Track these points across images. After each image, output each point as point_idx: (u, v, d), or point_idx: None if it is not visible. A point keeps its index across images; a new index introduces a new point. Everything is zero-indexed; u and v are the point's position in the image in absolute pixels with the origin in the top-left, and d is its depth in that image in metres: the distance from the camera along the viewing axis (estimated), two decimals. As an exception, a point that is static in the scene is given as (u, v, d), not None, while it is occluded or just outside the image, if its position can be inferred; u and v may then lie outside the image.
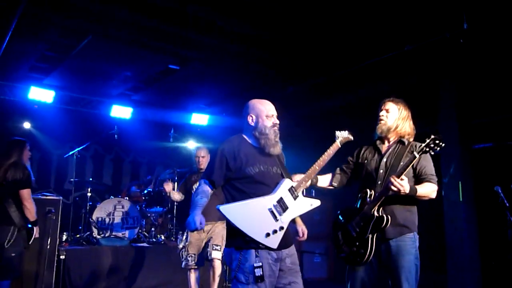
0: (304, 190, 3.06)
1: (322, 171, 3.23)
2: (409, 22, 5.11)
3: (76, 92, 7.97)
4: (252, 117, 2.99)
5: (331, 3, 4.84)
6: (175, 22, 5.29)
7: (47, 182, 8.56)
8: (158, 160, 9.79)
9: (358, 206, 3.11)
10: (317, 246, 7.99)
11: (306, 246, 7.88)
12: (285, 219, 2.81)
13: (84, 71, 7.16)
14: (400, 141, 3.18)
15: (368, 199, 3.02)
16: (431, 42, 5.21)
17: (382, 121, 3.22)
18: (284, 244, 2.83)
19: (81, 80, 7.62)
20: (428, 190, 3.01)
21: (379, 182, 3.08)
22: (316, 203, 2.99)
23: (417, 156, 2.86)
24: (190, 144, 8.52)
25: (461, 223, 5.82)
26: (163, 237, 7.34)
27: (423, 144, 2.85)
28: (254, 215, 2.74)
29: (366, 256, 2.94)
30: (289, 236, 2.93)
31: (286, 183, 2.88)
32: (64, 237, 6.62)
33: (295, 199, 2.88)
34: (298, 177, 3.04)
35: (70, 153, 7.37)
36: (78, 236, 6.85)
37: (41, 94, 7.40)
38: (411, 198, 3.01)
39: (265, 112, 2.98)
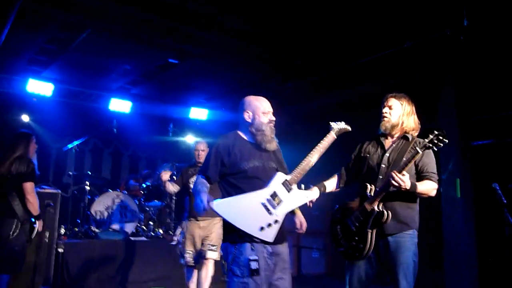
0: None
1: (324, 171, 3.21)
2: (409, 18, 5.10)
3: (75, 85, 7.94)
4: (248, 113, 3.03)
5: (331, -1, 4.84)
6: (175, 17, 5.28)
7: (45, 176, 8.54)
8: (157, 154, 9.79)
9: (358, 200, 3.08)
10: (315, 241, 8.02)
11: (304, 241, 7.91)
12: (279, 213, 2.83)
13: (83, 64, 7.13)
14: (404, 137, 3.14)
15: (369, 194, 3.00)
16: (431, 39, 5.20)
17: (385, 118, 3.17)
18: (279, 238, 2.86)
19: (80, 73, 7.59)
20: (428, 187, 2.98)
21: (380, 177, 3.05)
22: (312, 195, 2.99)
23: (420, 152, 2.80)
24: (189, 139, 8.52)
25: (458, 220, 5.84)
26: (161, 231, 7.35)
27: (427, 140, 2.79)
28: (246, 210, 2.77)
29: (365, 251, 2.94)
30: (285, 232, 2.95)
31: (279, 177, 2.90)
32: (63, 231, 6.62)
33: (289, 192, 2.89)
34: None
35: (69, 146, 7.37)
36: (76, 229, 6.85)
37: (40, 87, 7.36)
38: (412, 195, 2.99)
39: (261, 109, 3.03)
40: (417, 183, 2.95)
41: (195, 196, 2.87)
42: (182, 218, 5.21)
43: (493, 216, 5.34)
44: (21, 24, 5.35)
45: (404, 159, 2.92)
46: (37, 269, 5.43)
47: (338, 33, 5.56)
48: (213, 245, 4.88)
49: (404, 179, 2.81)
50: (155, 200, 7.67)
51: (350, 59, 6.13)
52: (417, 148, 2.81)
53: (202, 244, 4.94)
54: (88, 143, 9.04)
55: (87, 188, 7.19)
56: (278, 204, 2.83)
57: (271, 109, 3.07)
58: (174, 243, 5.17)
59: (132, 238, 6.77)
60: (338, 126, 3.18)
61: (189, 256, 4.93)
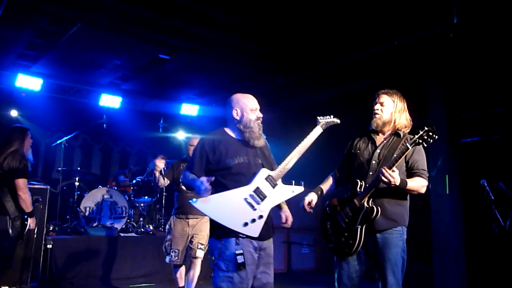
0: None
1: (322, 168, 3.20)
2: (398, 16, 5.12)
3: (64, 80, 7.87)
4: (236, 110, 3.05)
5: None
6: (165, 12, 5.25)
7: (34, 171, 8.46)
8: (147, 150, 9.75)
9: (348, 196, 3.08)
10: (305, 237, 8.05)
11: (294, 237, 7.94)
12: (264, 208, 2.85)
13: (72, 59, 7.07)
14: (396, 133, 3.14)
15: (359, 190, 3.00)
16: (420, 36, 5.23)
17: (377, 115, 3.16)
18: (265, 234, 2.89)
19: (69, 68, 7.53)
20: (418, 184, 2.99)
21: (370, 173, 3.05)
22: (298, 189, 3.01)
23: (410, 147, 2.82)
24: (180, 135, 8.47)
25: (447, 216, 5.90)
26: (151, 227, 7.33)
27: (416, 136, 2.80)
28: (229, 206, 2.79)
29: (355, 247, 2.95)
30: (271, 227, 2.99)
31: (263, 172, 2.92)
32: (51, 227, 6.58)
33: (273, 187, 2.91)
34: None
35: (58, 142, 7.30)
36: (65, 225, 6.81)
37: (28, 82, 7.29)
38: (402, 192, 3.00)
39: (249, 106, 3.06)
40: (407, 180, 2.95)
41: (191, 183, 2.90)
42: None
43: (481, 212, 5.41)
44: (9, 17, 5.28)
45: (395, 155, 2.91)
46: (25, 264, 5.39)
47: (329, 30, 5.58)
48: (201, 244, 4.81)
49: (394, 175, 2.81)
50: (145, 196, 7.62)
51: (341, 55, 6.15)
52: (407, 144, 2.83)
53: (191, 241, 4.84)
54: (77, 139, 8.98)
55: (77, 183, 7.14)
56: (262, 199, 2.85)
57: (258, 106, 3.11)
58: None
59: (121, 234, 6.74)
60: (325, 119, 3.19)
61: (175, 255, 4.79)
